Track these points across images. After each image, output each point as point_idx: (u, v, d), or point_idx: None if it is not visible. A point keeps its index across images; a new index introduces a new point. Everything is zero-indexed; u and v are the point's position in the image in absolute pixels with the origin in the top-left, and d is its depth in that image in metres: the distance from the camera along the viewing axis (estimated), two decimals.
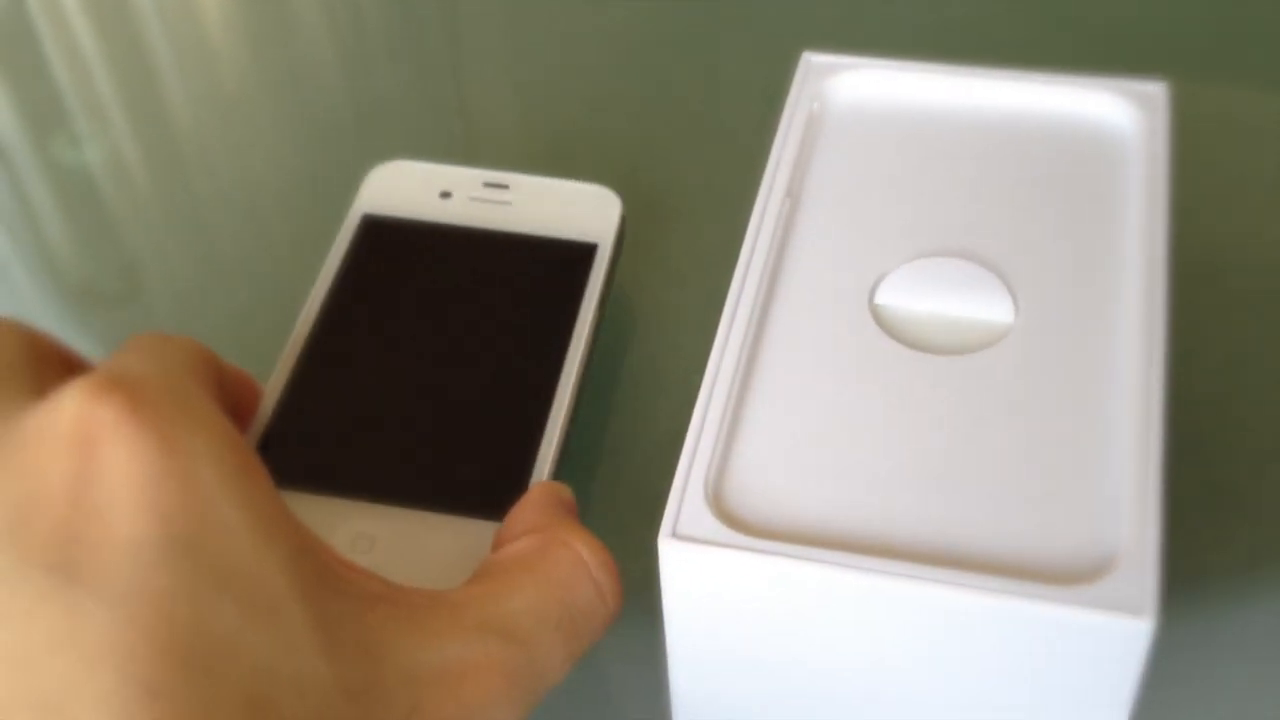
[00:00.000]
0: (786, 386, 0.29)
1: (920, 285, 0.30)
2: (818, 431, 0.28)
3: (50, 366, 0.29)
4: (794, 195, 0.32)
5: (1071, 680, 0.25)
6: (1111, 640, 0.24)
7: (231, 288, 0.44)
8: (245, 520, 0.24)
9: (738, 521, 0.26)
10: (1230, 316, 0.40)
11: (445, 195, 0.41)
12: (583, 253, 0.40)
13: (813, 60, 0.35)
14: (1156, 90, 0.33)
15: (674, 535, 0.26)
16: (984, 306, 0.30)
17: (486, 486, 0.34)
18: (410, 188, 0.41)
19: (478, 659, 0.26)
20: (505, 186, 0.41)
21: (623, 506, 0.36)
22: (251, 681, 0.23)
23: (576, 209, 0.41)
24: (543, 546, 0.29)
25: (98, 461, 0.24)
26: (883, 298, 0.30)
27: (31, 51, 0.54)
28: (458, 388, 0.37)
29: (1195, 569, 0.33)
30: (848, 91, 0.35)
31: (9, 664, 0.22)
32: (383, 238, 0.40)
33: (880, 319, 0.30)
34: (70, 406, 0.24)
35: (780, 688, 0.28)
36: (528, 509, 0.31)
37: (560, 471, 0.35)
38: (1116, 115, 0.33)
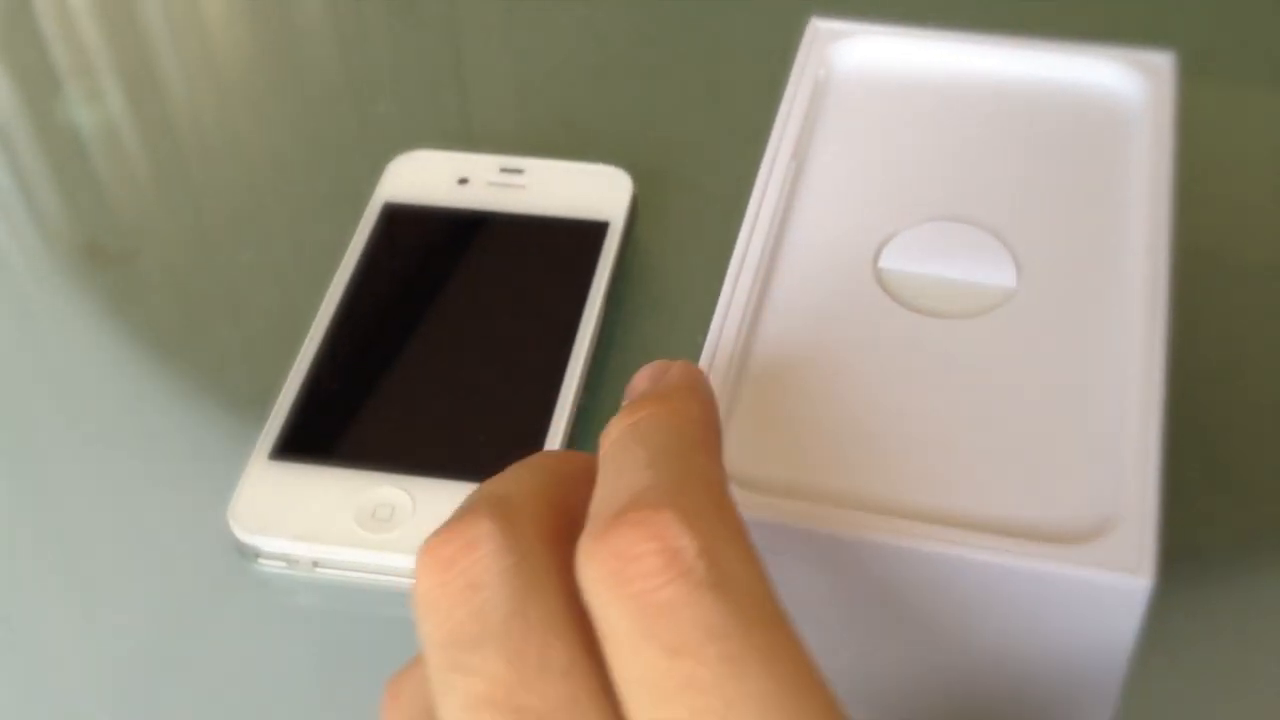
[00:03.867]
0: (790, 348, 0.29)
1: (924, 249, 0.30)
2: (820, 392, 0.28)
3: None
4: (800, 159, 0.32)
5: (1070, 639, 0.25)
6: (1109, 599, 0.24)
7: (234, 252, 0.44)
8: None
9: (740, 479, 0.26)
10: (1229, 297, 0.40)
11: (463, 181, 0.43)
12: (595, 230, 0.40)
13: (820, 25, 0.35)
14: (1163, 61, 0.33)
15: None
16: (987, 271, 0.30)
17: (501, 453, 0.35)
18: (429, 175, 0.43)
19: None
20: (520, 171, 0.43)
21: None
22: None
23: (589, 189, 0.42)
24: None
25: None
26: (887, 261, 0.30)
27: (46, 7, 0.54)
28: (476, 362, 0.38)
29: (1190, 544, 0.34)
30: (854, 57, 0.35)
31: None
32: (403, 224, 0.42)
33: (884, 282, 0.30)
34: None
35: None
36: None
37: (573, 436, 0.36)
38: (1123, 84, 0.33)
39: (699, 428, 0.23)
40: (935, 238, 0.30)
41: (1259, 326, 0.39)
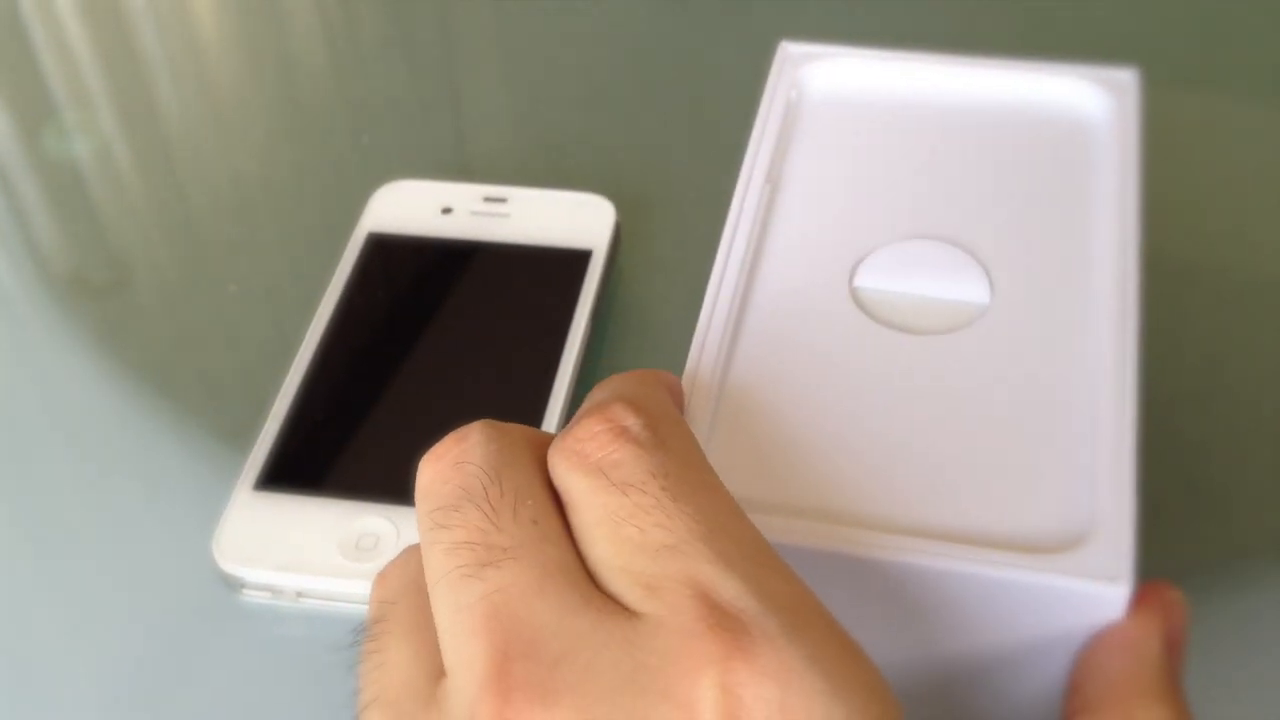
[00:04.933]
0: (769, 367, 0.29)
1: (898, 268, 0.31)
2: (799, 410, 0.28)
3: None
4: (773, 181, 0.33)
5: (1050, 649, 0.26)
6: (1088, 608, 0.25)
7: (220, 282, 0.44)
8: None
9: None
10: (1210, 316, 0.41)
11: (447, 211, 0.43)
12: (578, 259, 0.41)
13: (790, 49, 0.36)
14: (1128, 77, 0.34)
15: None
16: (960, 287, 0.30)
17: None
18: (413, 205, 0.43)
19: None
20: (504, 200, 0.43)
21: None
22: None
23: (572, 217, 0.42)
24: None
25: None
26: (862, 280, 0.31)
27: (28, 40, 0.54)
28: (460, 391, 0.38)
29: (1170, 562, 0.34)
30: (825, 79, 0.35)
31: None
32: (388, 253, 0.42)
33: (859, 301, 0.30)
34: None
35: None
36: None
37: None
38: (1089, 101, 0.34)
39: (651, 379, 0.27)
40: (909, 256, 0.31)
41: (1239, 345, 0.40)
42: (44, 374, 0.42)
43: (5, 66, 0.53)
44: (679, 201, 0.45)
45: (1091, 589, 0.24)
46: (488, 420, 0.25)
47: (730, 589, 0.21)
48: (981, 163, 0.33)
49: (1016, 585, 0.25)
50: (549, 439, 0.25)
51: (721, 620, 0.21)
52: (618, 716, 0.21)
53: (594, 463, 0.23)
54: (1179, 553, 0.34)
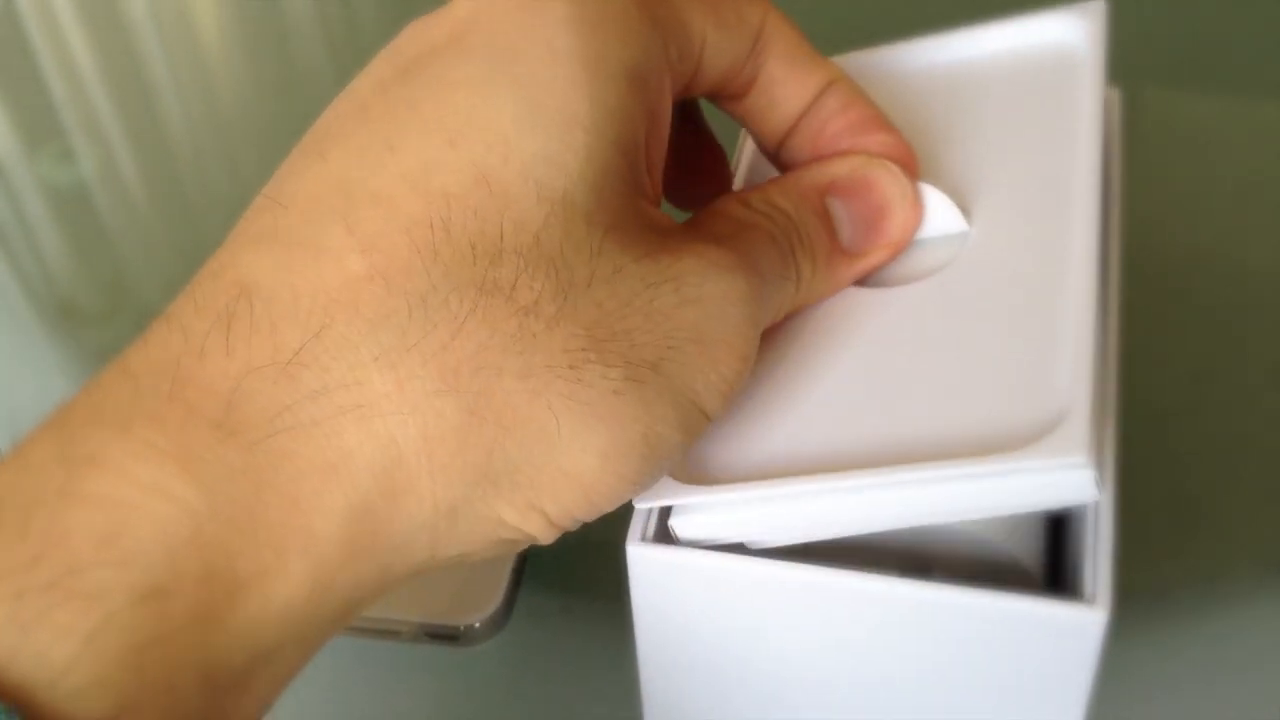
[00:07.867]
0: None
1: None
2: (781, 369, 0.28)
3: None
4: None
5: (1030, 676, 0.26)
6: (1067, 633, 0.24)
7: None
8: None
9: (703, 477, 0.26)
10: (1196, 330, 0.40)
11: None
12: None
13: None
14: (1096, 6, 0.32)
15: (641, 540, 0.27)
16: (938, 230, 0.29)
17: None
18: None
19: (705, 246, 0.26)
20: None
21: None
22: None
23: None
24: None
25: None
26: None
27: (23, 68, 0.53)
28: None
29: (1158, 579, 0.34)
30: None
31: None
32: None
33: None
34: None
35: (743, 683, 0.28)
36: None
37: None
38: (1057, 34, 0.32)
39: None
40: None
41: (1226, 363, 0.39)
42: (37, 403, 0.42)
43: (4, 91, 0.52)
44: None
45: (1068, 615, 0.24)
46: None
47: None
48: (960, 118, 0.32)
49: (994, 612, 0.25)
50: None
51: None
52: None
53: None
54: (1165, 568, 0.34)
